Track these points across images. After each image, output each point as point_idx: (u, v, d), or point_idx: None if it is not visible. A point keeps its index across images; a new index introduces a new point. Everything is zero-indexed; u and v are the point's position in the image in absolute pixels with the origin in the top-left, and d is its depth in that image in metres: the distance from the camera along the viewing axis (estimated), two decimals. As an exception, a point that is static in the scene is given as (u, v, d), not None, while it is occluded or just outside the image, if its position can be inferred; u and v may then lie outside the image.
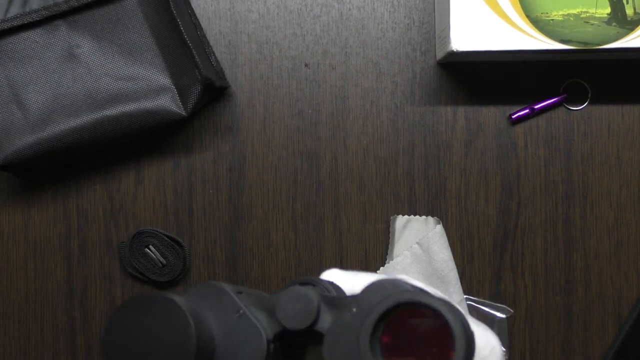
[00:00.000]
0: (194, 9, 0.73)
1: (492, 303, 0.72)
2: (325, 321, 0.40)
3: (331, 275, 0.46)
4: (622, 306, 0.72)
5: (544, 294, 0.72)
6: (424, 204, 0.72)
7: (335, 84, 0.73)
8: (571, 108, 0.72)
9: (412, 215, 0.71)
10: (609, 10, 0.65)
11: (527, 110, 0.72)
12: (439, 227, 0.69)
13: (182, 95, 0.68)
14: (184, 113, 0.68)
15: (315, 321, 0.40)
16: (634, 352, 0.71)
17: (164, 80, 0.67)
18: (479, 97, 0.72)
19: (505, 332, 0.71)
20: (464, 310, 0.68)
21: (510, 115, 0.72)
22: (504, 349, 0.71)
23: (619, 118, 0.72)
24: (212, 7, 0.73)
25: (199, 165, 0.73)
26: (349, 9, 0.73)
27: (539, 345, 0.72)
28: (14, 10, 0.66)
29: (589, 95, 0.72)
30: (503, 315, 0.71)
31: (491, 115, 0.72)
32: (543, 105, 0.72)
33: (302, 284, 0.43)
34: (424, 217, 0.71)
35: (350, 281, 0.45)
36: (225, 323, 0.40)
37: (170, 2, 0.68)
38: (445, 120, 0.72)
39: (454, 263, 0.69)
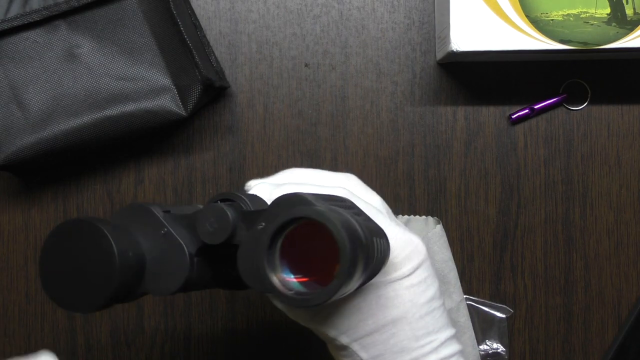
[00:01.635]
0: (194, 9, 0.73)
1: (492, 303, 0.72)
2: (241, 235, 0.42)
3: (257, 189, 0.48)
4: (622, 306, 0.72)
5: (544, 294, 0.72)
6: (424, 204, 0.72)
7: (335, 84, 0.73)
8: (571, 108, 0.72)
9: (412, 215, 0.71)
10: (608, 10, 0.65)
11: (527, 111, 0.72)
12: (439, 227, 0.69)
13: (182, 95, 0.68)
14: (184, 113, 0.68)
15: (231, 236, 0.42)
16: (634, 352, 0.71)
17: (164, 80, 0.67)
18: (479, 97, 0.72)
19: (505, 332, 0.71)
20: (463, 310, 0.68)
21: (510, 115, 0.72)
22: (504, 349, 0.71)
23: (619, 118, 0.72)
24: (212, 7, 0.73)
25: (199, 165, 0.73)
26: (349, 9, 0.73)
27: (539, 345, 0.72)
28: (15, 10, 0.66)
29: (589, 95, 0.72)
30: (503, 315, 0.71)
31: (491, 115, 0.72)
32: (543, 105, 0.72)
33: (223, 200, 0.45)
34: (424, 217, 0.71)
35: (272, 194, 0.47)
36: (153, 242, 0.43)
37: (170, 2, 0.68)
38: (445, 120, 0.72)
39: (454, 263, 0.69)
